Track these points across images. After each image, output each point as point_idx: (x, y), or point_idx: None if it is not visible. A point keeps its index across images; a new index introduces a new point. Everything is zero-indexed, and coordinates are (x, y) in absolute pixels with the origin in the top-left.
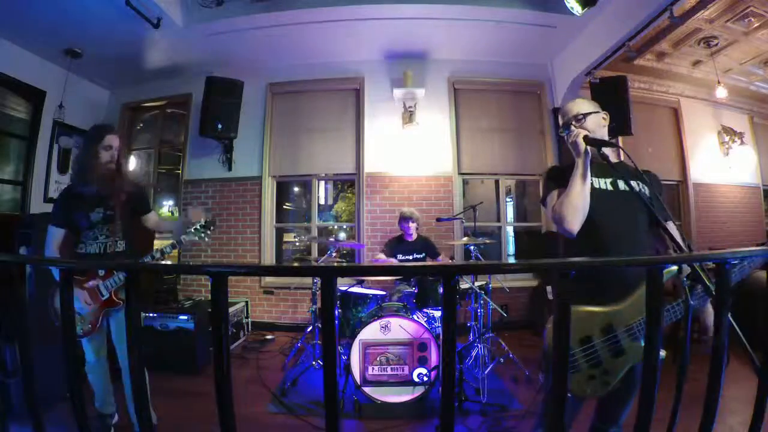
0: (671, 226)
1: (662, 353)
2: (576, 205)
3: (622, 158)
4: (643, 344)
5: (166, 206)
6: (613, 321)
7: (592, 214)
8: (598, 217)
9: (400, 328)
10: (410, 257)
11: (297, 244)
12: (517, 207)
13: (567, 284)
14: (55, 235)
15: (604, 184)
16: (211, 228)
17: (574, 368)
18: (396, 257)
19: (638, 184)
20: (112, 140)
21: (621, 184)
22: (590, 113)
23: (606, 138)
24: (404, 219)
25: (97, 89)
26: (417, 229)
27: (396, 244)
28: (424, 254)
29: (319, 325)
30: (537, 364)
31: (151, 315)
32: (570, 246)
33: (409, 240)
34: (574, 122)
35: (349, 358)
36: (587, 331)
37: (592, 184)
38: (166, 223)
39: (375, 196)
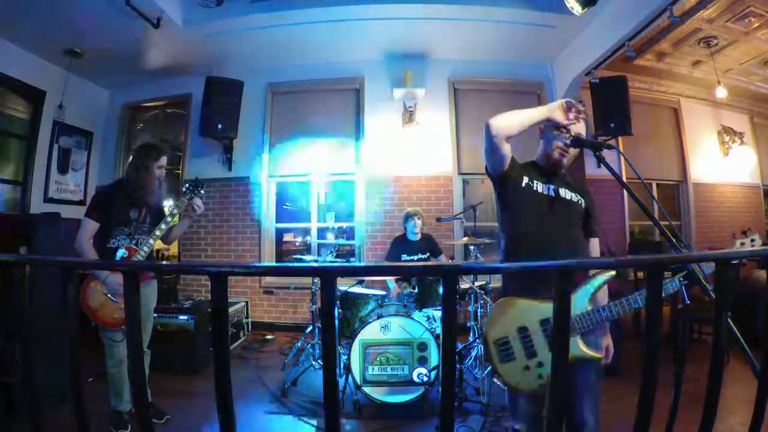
0: (594, 243)
1: (593, 354)
2: (519, 119)
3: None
4: (572, 340)
5: (166, 206)
6: (549, 315)
7: (533, 215)
8: (539, 218)
9: (400, 328)
10: (414, 257)
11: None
12: None
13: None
14: (89, 227)
15: (547, 189)
16: (202, 187)
17: (509, 357)
18: (400, 258)
19: (576, 196)
20: (164, 161)
21: (562, 192)
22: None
23: None
24: (409, 217)
25: (97, 89)
26: (422, 228)
27: (399, 245)
28: (428, 254)
29: (319, 325)
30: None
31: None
32: (511, 244)
33: (413, 240)
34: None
35: (349, 358)
36: (524, 321)
37: (536, 188)
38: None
39: (375, 196)
